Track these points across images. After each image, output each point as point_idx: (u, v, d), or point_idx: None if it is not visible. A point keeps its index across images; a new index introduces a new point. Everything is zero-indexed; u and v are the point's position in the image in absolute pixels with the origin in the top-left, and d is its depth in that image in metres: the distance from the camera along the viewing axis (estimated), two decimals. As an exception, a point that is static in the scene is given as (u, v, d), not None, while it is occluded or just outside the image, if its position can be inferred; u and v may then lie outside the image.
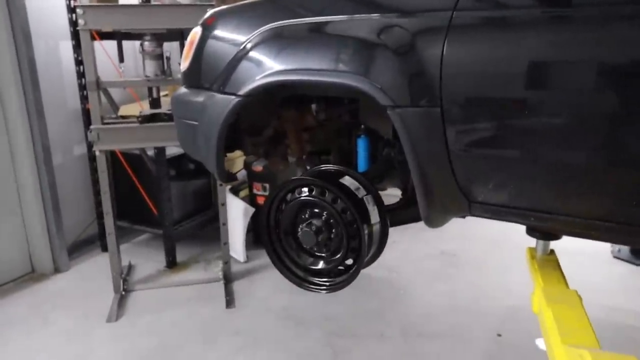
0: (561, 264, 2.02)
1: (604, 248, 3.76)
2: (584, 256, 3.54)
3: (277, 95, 2.13)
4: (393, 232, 2.02)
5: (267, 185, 3.86)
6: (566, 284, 1.80)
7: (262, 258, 3.73)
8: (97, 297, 3.38)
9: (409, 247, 3.93)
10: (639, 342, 2.80)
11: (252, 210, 3.81)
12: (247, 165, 3.94)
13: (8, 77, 3.40)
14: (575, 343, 1.42)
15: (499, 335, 2.89)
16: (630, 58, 1.29)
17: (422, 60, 1.52)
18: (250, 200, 3.98)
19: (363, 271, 1.88)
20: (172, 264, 3.83)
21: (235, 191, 4.01)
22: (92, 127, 3.05)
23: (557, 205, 1.50)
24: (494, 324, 2.98)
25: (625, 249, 3.67)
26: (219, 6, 2.29)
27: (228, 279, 3.56)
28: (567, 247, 1.80)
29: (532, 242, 2.04)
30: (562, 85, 1.38)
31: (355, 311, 3.19)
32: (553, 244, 2.03)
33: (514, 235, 1.88)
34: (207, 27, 2.08)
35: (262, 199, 3.85)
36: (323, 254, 1.95)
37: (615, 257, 3.71)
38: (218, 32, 2.04)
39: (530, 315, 1.88)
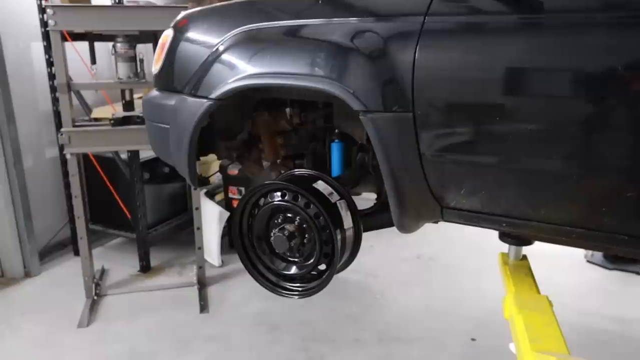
0: (535, 267, 2.03)
1: (577, 252, 3.80)
2: (557, 260, 3.57)
3: (250, 99, 2.11)
4: (369, 235, 2.01)
5: (243, 189, 3.84)
6: (537, 290, 1.81)
7: (238, 262, 3.63)
8: (69, 302, 3.32)
9: (386, 251, 3.93)
10: (611, 345, 2.84)
11: (227, 214, 3.78)
12: (222, 169, 3.91)
13: (-24, 78, 3.32)
14: (544, 349, 1.43)
15: (474, 339, 2.91)
16: (602, 66, 1.30)
17: (394, 66, 1.51)
18: (226, 204, 3.94)
19: (339, 275, 1.87)
20: (145, 268, 3.77)
21: (210, 195, 3.97)
22: (62, 129, 2.99)
23: (529, 211, 1.50)
24: (469, 328, 2.99)
25: (598, 254, 3.72)
26: (193, 8, 2.27)
27: (202, 284, 3.52)
28: (541, 251, 1.82)
29: (507, 246, 2.05)
30: (535, 92, 1.39)
31: (331, 316, 3.18)
32: (527, 247, 2.04)
33: (490, 239, 1.89)
34: (179, 29, 2.05)
35: (237, 202, 3.81)
36: (296, 259, 1.93)
37: (588, 261, 3.75)
38: (190, 35, 2.02)
39: (504, 319, 1.88)
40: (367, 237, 1.95)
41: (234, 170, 3.77)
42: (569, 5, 1.37)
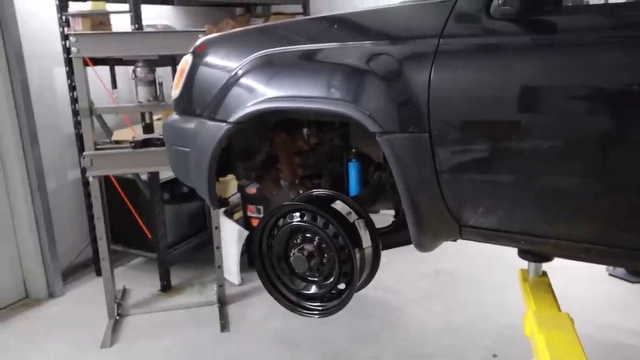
0: (555, 281, 2.02)
1: (599, 266, 3.74)
2: (578, 273, 3.53)
3: (268, 121, 2.15)
4: (388, 252, 2.02)
5: (261, 208, 3.86)
6: (558, 307, 1.80)
7: (257, 280, 3.65)
8: (92, 322, 3.36)
9: (404, 267, 3.92)
10: (635, 360, 2.80)
11: (246, 233, 3.80)
12: (241, 188, 3.94)
13: (1, 102, 3.41)
14: (566, 368, 1.43)
15: (495, 355, 2.88)
16: (618, 84, 1.31)
17: (410, 87, 1.53)
18: (245, 222, 3.97)
19: (358, 292, 1.88)
20: (166, 287, 3.81)
21: (229, 213, 4.00)
22: (85, 153, 3.05)
23: (548, 229, 1.51)
24: (490, 344, 2.97)
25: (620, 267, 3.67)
26: (210, 33, 2.32)
27: (222, 302, 3.54)
28: (562, 264, 1.81)
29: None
30: (550, 110, 1.40)
31: (351, 333, 3.17)
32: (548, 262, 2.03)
33: (509, 253, 1.88)
34: (198, 55, 2.10)
35: (256, 221, 3.84)
36: (315, 279, 1.94)
37: (610, 274, 3.70)
38: (209, 59, 2.06)
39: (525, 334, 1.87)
40: (385, 253, 1.96)
41: (252, 189, 3.79)
42: (581, 25, 1.39)
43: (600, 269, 3.74)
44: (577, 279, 3.53)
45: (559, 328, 1.63)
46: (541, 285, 1.95)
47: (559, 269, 2.21)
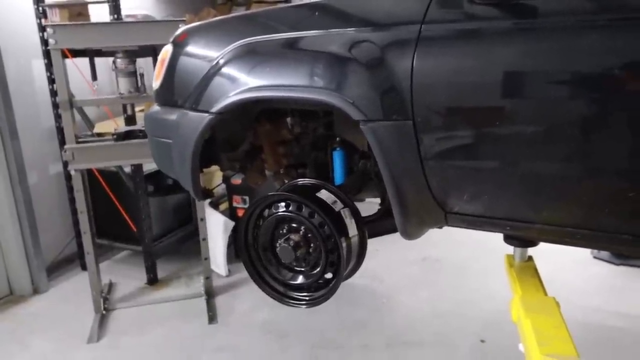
0: (540, 265, 2.03)
1: (584, 249, 3.79)
2: (563, 257, 3.56)
3: (251, 110, 2.12)
4: (374, 239, 2.02)
5: (247, 198, 3.85)
6: (544, 291, 1.81)
7: (244, 271, 3.64)
8: (78, 317, 3.33)
9: (391, 254, 3.93)
10: (619, 342, 2.83)
11: (232, 223, 3.78)
12: (226, 179, 3.92)
13: (-21, 98, 3.34)
14: (553, 352, 1.43)
15: (482, 341, 2.91)
16: (600, 68, 1.30)
17: (393, 74, 1.52)
18: (231, 213, 3.95)
19: (345, 281, 1.87)
20: (153, 280, 3.78)
21: (215, 205, 3.98)
22: (66, 146, 3.01)
23: (532, 214, 1.51)
24: (477, 330, 2.99)
25: (604, 250, 3.71)
26: (191, 22, 2.28)
27: (210, 294, 3.53)
28: (546, 247, 1.82)
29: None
30: (532, 95, 1.40)
31: (339, 322, 3.18)
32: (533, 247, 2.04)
33: (496, 239, 1.89)
34: (179, 44, 2.07)
35: (242, 211, 3.83)
36: (302, 269, 1.94)
37: (595, 257, 3.75)
38: (190, 49, 2.03)
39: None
40: (371, 241, 1.97)
41: (237, 180, 3.78)
42: (562, 9, 1.38)
43: (585, 253, 3.79)
44: (563, 263, 3.57)
45: (545, 312, 1.64)
46: (527, 270, 1.96)
47: (545, 253, 2.22)
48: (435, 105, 1.50)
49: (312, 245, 1.87)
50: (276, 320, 3.22)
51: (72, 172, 3.09)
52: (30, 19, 3.58)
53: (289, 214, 1.86)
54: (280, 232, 1.93)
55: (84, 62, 3.27)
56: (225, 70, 1.86)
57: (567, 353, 1.43)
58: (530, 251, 2.09)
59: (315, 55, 1.68)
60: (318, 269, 1.88)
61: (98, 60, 3.22)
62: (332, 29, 1.66)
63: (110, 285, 3.77)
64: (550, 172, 1.42)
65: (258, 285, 2.03)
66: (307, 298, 1.97)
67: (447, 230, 1.82)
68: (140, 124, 3.26)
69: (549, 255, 2.38)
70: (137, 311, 3.44)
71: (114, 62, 3.12)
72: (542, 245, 1.98)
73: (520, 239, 1.94)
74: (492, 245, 2.81)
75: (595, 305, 3.17)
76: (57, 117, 3.69)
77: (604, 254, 3.72)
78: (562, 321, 1.60)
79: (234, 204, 3.93)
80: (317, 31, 1.69)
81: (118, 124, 3.53)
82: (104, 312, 3.38)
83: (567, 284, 3.31)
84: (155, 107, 2.20)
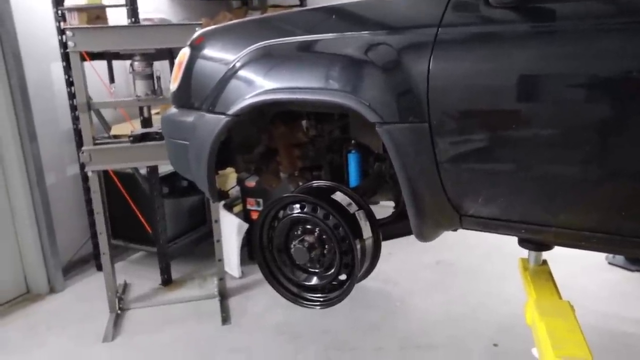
0: (555, 270, 2.02)
1: (598, 254, 3.76)
2: (578, 262, 3.55)
3: (267, 113, 2.14)
4: (388, 243, 2.02)
5: (261, 200, 3.86)
6: (559, 295, 1.81)
7: (258, 273, 3.67)
8: (93, 316, 3.36)
9: (405, 257, 3.93)
10: (634, 348, 2.81)
11: (245, 226, 3.81)
12: (240, 181, 3.94)
13: (-1, 99, 3.40)
14: (568, 355, 1.43)
15: (495, 345, 2.90)
16: (618, 71, 1.30)
17: (409, 77, 1.53)
18: (245, 215, 3.97)
19: (359, 283, 1.88)
20: (167, 281, 3.81)
21: (229, 207, 4.00)
22: (83, 148, 3.05)
23: (548, 217, 1.51)
24: (491, 334, 2.98)
25: (619, 256, 3.68)
26: (207, 26, 2.31)
27: (223, 296, 3.55)
28: (561, 253, 1.82)
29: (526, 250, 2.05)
30: (550, 99, 1.39)
31: (353, 324, 3.18)
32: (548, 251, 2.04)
33: (510, 243, 1.89)
34: (196, 47, 2.09)
35: (256, 214, 3.85)
36: (316, 270, 1.95)
37: (610, 263, 3.71)
38: (207, 52, 2.05)
39: (526, 324, 1.88)
40: (385, 244, 1.96)
41: (251, 182, 3.79)
42: (580, 12, 1.38)
43: (600, 258, 3.76)
44: (577, 268, 3.54)
45: (560, 316, 1.64)
46: (541, 274, 1.95)
47: (558, 257, 2.21)
48: (451, 108, 1.50)
49: (326, 246, 1.87)
50: (289, 321, 3.23)
51: (89, 174, 3.13)
52: (50, 23, 3.65)
53: (304, 215, 1.86)
54: (295, 233, 1.93)
55: (101, 65, 3.32)
56: (241, 72, 1.88)
57: (582, 356, 1.43)
58: (545, 255, 2.08)
59: (332, 58, 1.70)
60: (332, 270, 1.88)
61: (115, 63, 3.27)
62: (349, 32, 1.68)
63: (125, 286, 3.80)
64: (567, 175, 1.42)
65: (272, 286, 2.03)
66: (321, 299, 1.97)
67: (461, 233, 1.82)
68: (156, 127, 3.29)
69: (563, 260, 2.37)
70: (151, 311, 3.47)
71: (131, 65, 3.16)
72: (556, 250, 1.97)
73: (535, 243, 1.93)
74: (507, 248, 2.82)
75: (609, 310, 3.14)
76: (75, 119, 3.74)
77: (619, 259, 3.69)
78: (576, 325, 1.59)
79: (248, 206, 3.95)
80: (333, 34, 1.70)
81: (134, 126, 3.57)
82: (118, 311, 3.41)
83: (581, 289, 3.28)
84: (172, 109, 2.23)
